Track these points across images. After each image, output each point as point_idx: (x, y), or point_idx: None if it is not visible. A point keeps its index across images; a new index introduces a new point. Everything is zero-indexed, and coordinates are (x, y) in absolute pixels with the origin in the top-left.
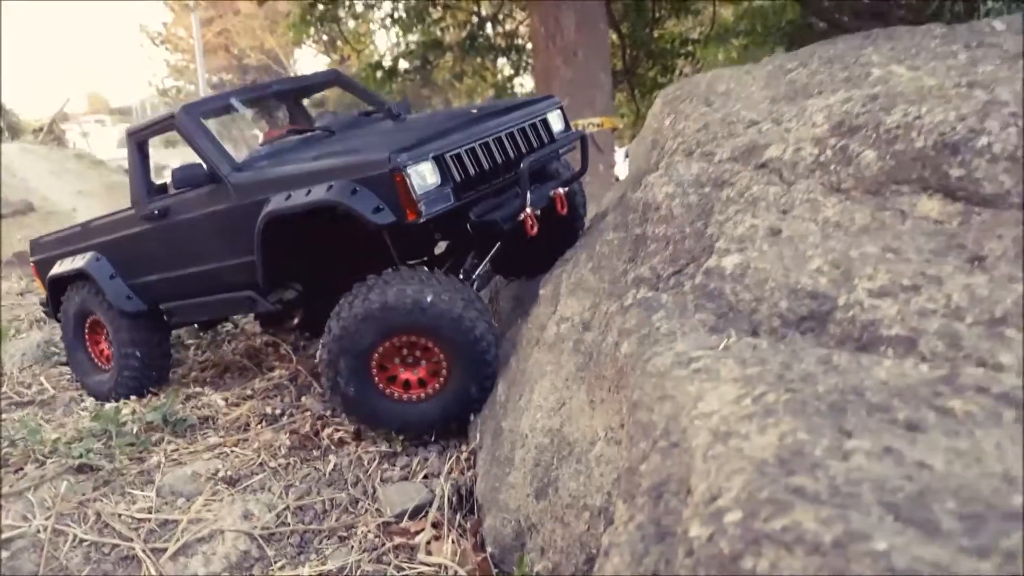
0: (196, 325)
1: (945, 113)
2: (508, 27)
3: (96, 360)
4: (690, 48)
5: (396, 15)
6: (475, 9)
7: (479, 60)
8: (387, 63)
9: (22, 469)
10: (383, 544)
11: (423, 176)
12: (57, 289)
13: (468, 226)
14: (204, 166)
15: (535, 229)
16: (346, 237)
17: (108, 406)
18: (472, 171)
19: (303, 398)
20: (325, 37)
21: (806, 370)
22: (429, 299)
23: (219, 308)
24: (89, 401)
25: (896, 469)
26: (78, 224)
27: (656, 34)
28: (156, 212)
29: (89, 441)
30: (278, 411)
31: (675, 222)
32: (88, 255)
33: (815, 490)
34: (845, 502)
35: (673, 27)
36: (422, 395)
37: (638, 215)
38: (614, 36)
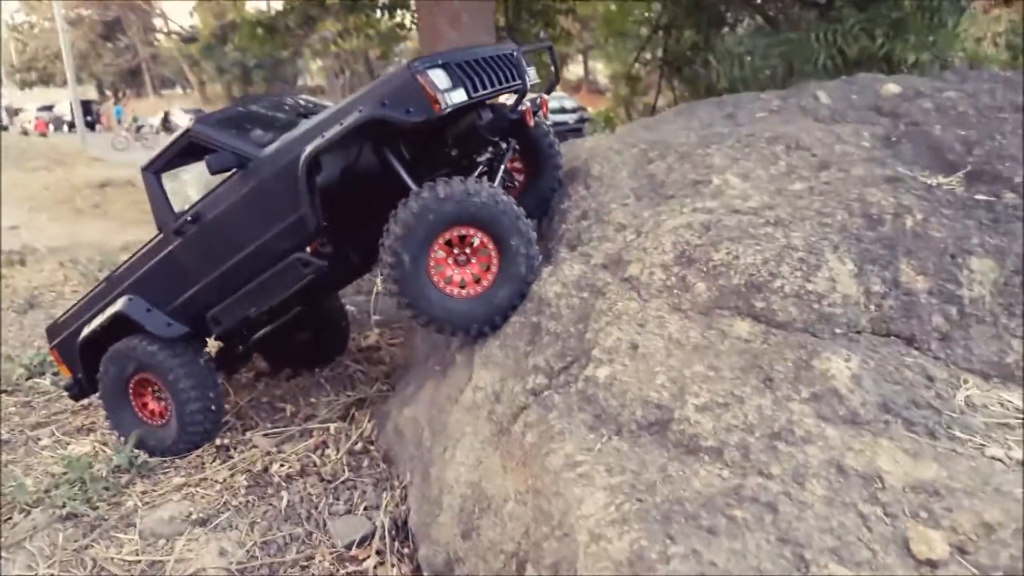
0: (232, 370)
1: (754, 256)
2: None
3: (144, 418)
4: (570, 3)
5: None
6: None
7: (364, 17)
8: (267, 19)
9: (10, 519)
10: (339, 571)
11: (438, 77)
12: (90, 360)
13: (480, 128)
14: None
15: (533, 122)
16: (371, 191)
17: (77, 453)
18: (476, 77)
19: (248, 433)
20: None
21: (650, 479)
22: (482, 191)
23: (268, 288)
24: (46, 439)
25: (695, 568)
26: (99, 282)
27: None
28: (188, 219)
29: (66, 489)
30: (227, 441)
31: (562, 320)
32: (118, 301)
33: None
34: None
35: None
36: (472, 292)
37: (534, 305)
38: None
